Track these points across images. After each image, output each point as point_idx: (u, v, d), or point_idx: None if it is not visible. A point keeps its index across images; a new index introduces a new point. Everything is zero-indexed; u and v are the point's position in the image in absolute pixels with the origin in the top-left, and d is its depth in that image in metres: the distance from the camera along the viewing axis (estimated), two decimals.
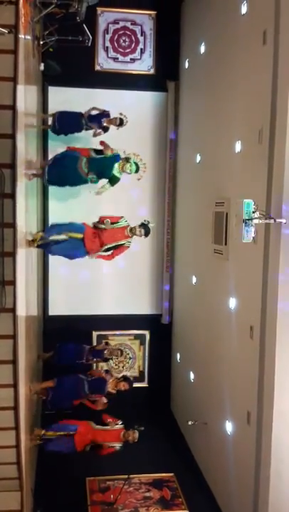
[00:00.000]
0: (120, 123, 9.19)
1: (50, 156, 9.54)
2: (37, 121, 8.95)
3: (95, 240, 7.81)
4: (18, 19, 5.62)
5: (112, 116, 9.22)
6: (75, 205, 10.29)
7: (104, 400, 8.58)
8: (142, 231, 8.01)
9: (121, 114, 9.21)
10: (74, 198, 10.27)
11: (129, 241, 8.07)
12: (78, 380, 8.54)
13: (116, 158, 8.57)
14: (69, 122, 9.33)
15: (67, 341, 9.56)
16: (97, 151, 8.69)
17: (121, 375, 8.99)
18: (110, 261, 8.36)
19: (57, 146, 9.79)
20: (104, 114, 9.26)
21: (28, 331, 6.85)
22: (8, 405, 6.08)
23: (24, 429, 6.29)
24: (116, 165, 8.57)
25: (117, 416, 8.44)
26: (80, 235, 7.70)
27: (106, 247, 7.95)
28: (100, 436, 8.14)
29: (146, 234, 8.10)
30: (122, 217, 8.05)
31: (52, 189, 10.17)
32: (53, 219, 10.69)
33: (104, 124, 9.24)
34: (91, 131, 9.37)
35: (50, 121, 9.63)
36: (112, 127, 9.29)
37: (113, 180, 8.77)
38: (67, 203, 10.43)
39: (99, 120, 9.28)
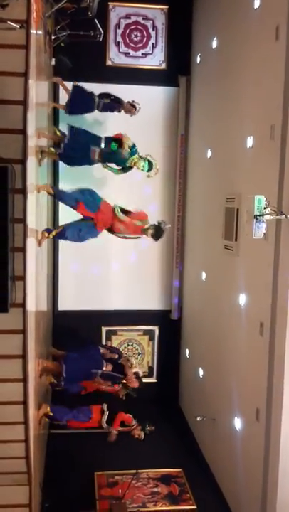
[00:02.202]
0: (134, 108, 9.00)
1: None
2: (48, 115, 8.94)
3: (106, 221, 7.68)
4: (29, 14, 5.60)
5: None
6: None
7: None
8: (153, 236, 7.81)
9: (134, 101, 9.06)
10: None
11: (138, 237, 7.94)
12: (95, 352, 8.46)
13: (133, 153, 8.27)
14: (81, 102, 9.01)
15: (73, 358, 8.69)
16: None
17: (134, 370, 8.83)
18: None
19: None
20: (117, 101, 9.12)
21: (38, 326, 6.86)
22: (17, 400, 6.11)
23: (33, 424, 6.32)
24: (131, 158, 8.28)
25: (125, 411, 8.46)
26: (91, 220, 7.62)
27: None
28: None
29: (157, 237, 7.86)
30: (146, 218, 7.86)
31: (63, 179, 10.12)
32: (62, 213, 10.71)
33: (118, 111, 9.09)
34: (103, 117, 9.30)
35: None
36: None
37: (125, 169, 8.51)
38: None
39: (111, 108, 9.08)
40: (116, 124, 9.85)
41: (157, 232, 7.81)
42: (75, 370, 8.14)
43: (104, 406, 8.33)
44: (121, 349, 11.55)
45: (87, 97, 8.98)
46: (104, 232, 7.90)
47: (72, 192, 7.73)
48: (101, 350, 8.68)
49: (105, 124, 9.98)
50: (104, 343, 11.44)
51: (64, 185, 10.41)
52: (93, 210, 7.63)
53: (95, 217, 7.62)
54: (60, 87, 9.45)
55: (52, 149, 8.11)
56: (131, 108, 8.97)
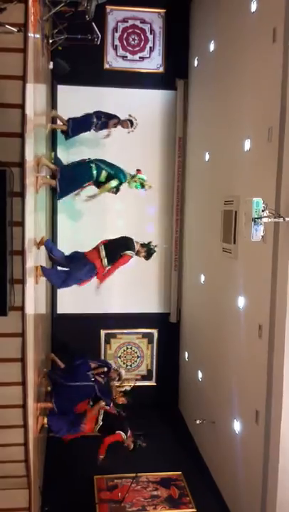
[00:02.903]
0: (131, 125, 9.37)
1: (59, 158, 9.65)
2: (46, 120, 8.96)
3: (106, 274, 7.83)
4: (27, 18, 5.62)
5: (121, 118, 9.35)
6: (84, 216, 10.55)
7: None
8: (145, 258, 7.96)
9: (130, 115, 9.27)
10: (82, 208, 10.42)
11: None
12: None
13: (123, 180, 8.56)
14: (79, 126, 9.52)
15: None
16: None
17: (122, 389, 8.81)
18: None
19: (65, 145, 9.84)
20: (113, 118, 9.40)
21: (37, 329, 6.86)
22: (16, 403, 6.10)
23: (32, 427, 6.31)
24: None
25: (125, 415, 8.45)
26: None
27: None
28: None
29: (148, 257, 7.98)
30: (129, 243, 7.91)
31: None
32: (61, 215, 10.77)
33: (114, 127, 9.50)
34: (99, 134, 9.60)
35: (58, 121, 9.74)
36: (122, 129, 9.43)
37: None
38: (75, 215, 10.60)
39: (108, 125, 9.51)
40: (114, 129, 9.89)
41: (148, 255, 7.94)
42: (65, 403, 8.17)
43: (100, 416, 8.29)
44: (120, 352, 11.58)
45: (83, 122, 9.33)
46: (103, 233, 8.05)
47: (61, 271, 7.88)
48: (92, 365, 8.70)
49: (103, 132, 9.96)
50: (102, 346, 11.45)
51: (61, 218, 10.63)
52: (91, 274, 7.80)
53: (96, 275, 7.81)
54: (58, 95, 9.77)
55: (48, 177, 8.30)
56: (127, 124, 9.25)
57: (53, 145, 10.36)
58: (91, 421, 8.19)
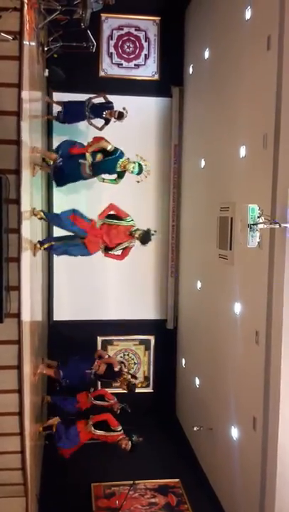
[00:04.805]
0: (119, 116, 9.13)
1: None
2: (42, 126, 8.99)
3: (97, 241, 7.76)
4: (22, 25, 5.65)
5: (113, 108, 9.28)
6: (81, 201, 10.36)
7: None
8: (140, 236, 7.81)
9: (124, 108, 9.16)
10: (78, 195, 10.36)
11: (132, 242, 7.90)
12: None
13: (119, 156, 8.19)
14: (74, 113, 9.44)
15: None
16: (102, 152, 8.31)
17: (130, 378, 8.96)
18: (118, 261, 8.17)
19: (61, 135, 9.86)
20: (107, 105, 9.29)
21: (33, 336, 6.85)
22: (12, 411, 6.08)
23: (29, 435, 6.29)
24: (119, 161, 8.19)
25: (121, 421, 8.43)
26: (81, 240, 7.75)
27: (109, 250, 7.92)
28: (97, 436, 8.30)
29: (143, 242, 7.86)
30: (128, 215, 7.93)
31: (57, 191, 10.25)
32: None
33: (105, 116, 9.29)
34: (92, 126, 9.48)
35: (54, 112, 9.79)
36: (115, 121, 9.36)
37: (120, 177, 8.46)
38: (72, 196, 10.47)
39: (100, 111, 9.33)
40: (109, 136, 9.87)
41: (144, 236, 7.82)
42: (71, 372, 8.42)
43: (90, 421, 8.35)
44: (117, 359, 11.55)
45: (79, 106, 9.18)
46: None
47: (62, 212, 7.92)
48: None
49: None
50: None
51: (58, 197, 10.51)
52: (87, 219, 7.75)
53: (88, 229, 7.69)
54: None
55: (47, 162, 8.19)
56: (114, 113, 9.18)
57: (48, 136, 10.36)
58: (82, 429, 8.23)
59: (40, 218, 7.64)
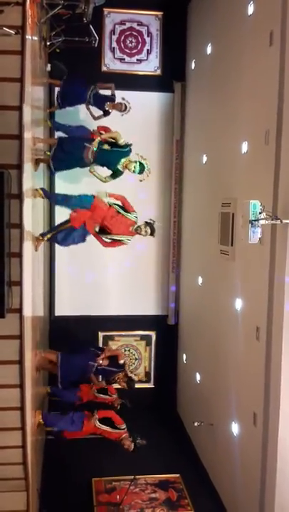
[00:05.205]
0: (125, 109, 9.04)
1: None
2: (43, 121, 8.97)
3: (98, 216, 7.67)
4: (25, 20, 5.64)
5: (116, 101, 9.11)
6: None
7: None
8: (148, 230, 7.78)
9: (123, 99, 9.04)
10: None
11: (129, 239, 7.87)
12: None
13: (126, 153, 8.19)
14: (75, 94, 9.18)
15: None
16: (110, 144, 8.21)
17: (130, 374, 8.94)
18: (108, 249, 8.12)
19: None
20: (110, 97, 9.16)
21: (35, 331, 6.86)
22: (14, 405, 6.10)
23: (30, 430, 6.30)
24: (122, 160, 8.17)
25: (122, 417, 8.44)
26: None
27: (106, 235, 7.80)
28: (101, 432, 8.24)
29: (152, 233, 7.87)
30: (134, 211, 7.87)
31: (58, 185, 10.17)
32: (59, 218, 10.72)
33: (107, 108, 9.07)
34: (89, 112, 9.26)
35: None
36: (116, 113, 9.16)
37: (115, 174, 8.38)
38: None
39: (102, 102, 9.12)
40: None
41: (151, 229, 7.84)
42: (70, 366, 8.33)
43: (95, 414, 8.29)
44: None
45: (81, 88, 9.06)
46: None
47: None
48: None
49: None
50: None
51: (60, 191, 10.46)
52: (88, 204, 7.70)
53: (93, 207, 7.64)
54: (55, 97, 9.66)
55: (48, 153, 8.11)
56: (121, 106, 8.99)
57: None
58: (87, 422, 8.21)
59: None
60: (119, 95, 10.00)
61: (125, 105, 8.98)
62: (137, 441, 8.20)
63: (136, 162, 8.09)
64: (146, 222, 7.86)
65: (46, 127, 9.56)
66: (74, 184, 9.99)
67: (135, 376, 9.48)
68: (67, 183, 10.06)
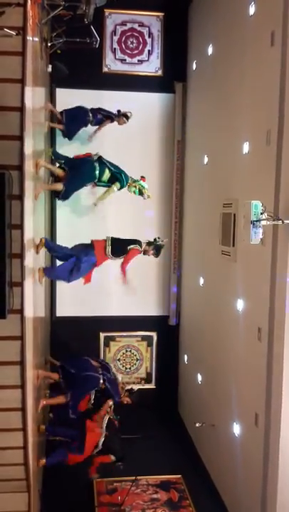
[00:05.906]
0: (126, 119, 9.56)
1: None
2: (45, 122, 8.96)
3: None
4: (26, 21, 5.63)
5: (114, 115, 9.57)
6: (83, 211, 10.46)
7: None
8: (154, 252, 8.31)
9: (119, 111, 9.48)
10: (81, 209, 10.51)
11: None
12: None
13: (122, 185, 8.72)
14: (76, 125, 9.51)
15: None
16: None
17: (128, 387, 8.84)
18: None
19: (64, 142, 9.85)
20: (108, 117, 9.48)
21: (36, 332, 6.85)
22: (15, 406, 6.09)
23: (32, 431, 6.30)
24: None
25: (122, 417, 8.43)
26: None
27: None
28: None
29: (157, 253, 8.36)
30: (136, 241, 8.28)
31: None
32: (60, 218, 10.76)
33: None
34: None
35: (57, 122, 9.72)
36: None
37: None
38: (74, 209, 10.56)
39: (104, 121, 9.60)
40: (113, 132, 9.91)
41: (158, 251, 8.34)
42: (77, 396, 8.14)
43: (101, 440, 8.14)
44: (119, 355, 11.59)
45: (79, 115, 9.38)
46: (101, 234, 8.41)
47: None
48: (93, 363, 8.67)
49: (102, 133, 9.95)
50: (102, 348, 11.45)
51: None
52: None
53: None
54: (56, 98, 9.81)
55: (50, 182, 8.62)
56: (123, 120, 9.48)
57: (51, 142, 10.32)
58: (92, 440, 8.13)
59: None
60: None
61: (126, 116, 9.43)
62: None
63: (135, 187, 8.72)
64: (150, 242, 8.35)
65: (47, 135, 9.59)
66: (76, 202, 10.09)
67: (135, 385, 9.40)
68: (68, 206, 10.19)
